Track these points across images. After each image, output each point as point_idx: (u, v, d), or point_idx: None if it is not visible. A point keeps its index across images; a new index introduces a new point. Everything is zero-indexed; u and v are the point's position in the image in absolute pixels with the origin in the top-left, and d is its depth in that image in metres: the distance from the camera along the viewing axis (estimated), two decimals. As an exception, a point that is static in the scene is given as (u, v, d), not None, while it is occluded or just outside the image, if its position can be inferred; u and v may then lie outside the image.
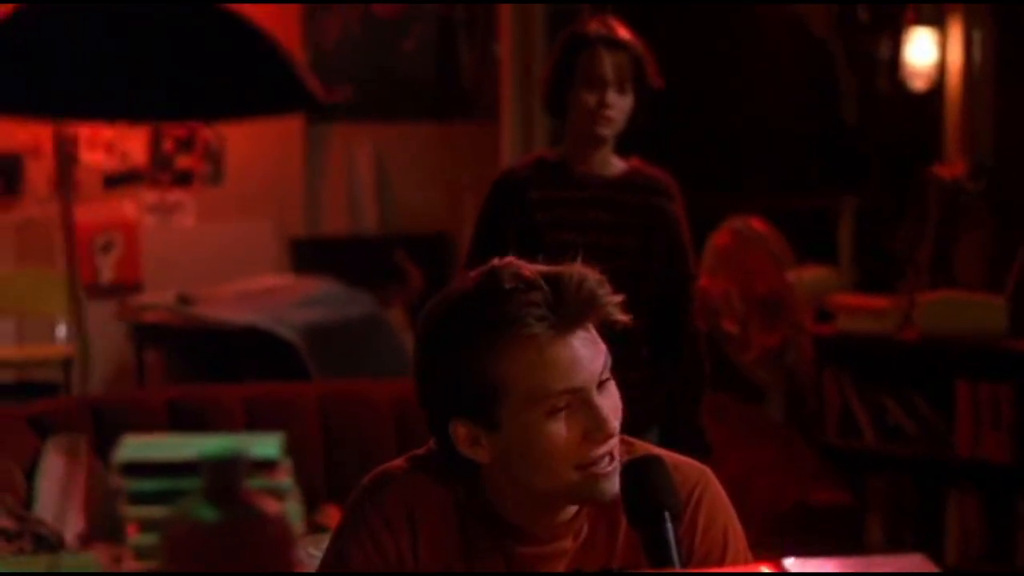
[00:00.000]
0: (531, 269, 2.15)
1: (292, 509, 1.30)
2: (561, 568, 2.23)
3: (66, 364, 8.45)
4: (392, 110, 9.50)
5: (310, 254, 9.19)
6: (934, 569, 1.50)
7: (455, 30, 9.56)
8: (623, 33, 4.13)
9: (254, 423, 5.63)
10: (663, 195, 4.21)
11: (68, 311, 8.03)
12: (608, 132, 4.13)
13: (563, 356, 2.11)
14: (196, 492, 1.19)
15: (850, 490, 5.31)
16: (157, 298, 8.35)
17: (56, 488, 4.84)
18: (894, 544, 5.90)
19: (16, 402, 6.90)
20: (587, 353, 2.13)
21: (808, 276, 6.17)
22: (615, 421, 2.17)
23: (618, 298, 2.19)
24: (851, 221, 7.65)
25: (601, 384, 2.16)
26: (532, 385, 2.11)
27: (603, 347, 2.17)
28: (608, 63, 4.07)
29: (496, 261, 2.19)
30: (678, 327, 4.25)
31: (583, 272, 2.15)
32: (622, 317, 2.20)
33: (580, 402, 2.13)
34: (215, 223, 9.14)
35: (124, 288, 8.89)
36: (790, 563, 1.48)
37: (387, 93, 9.51)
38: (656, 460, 2.18)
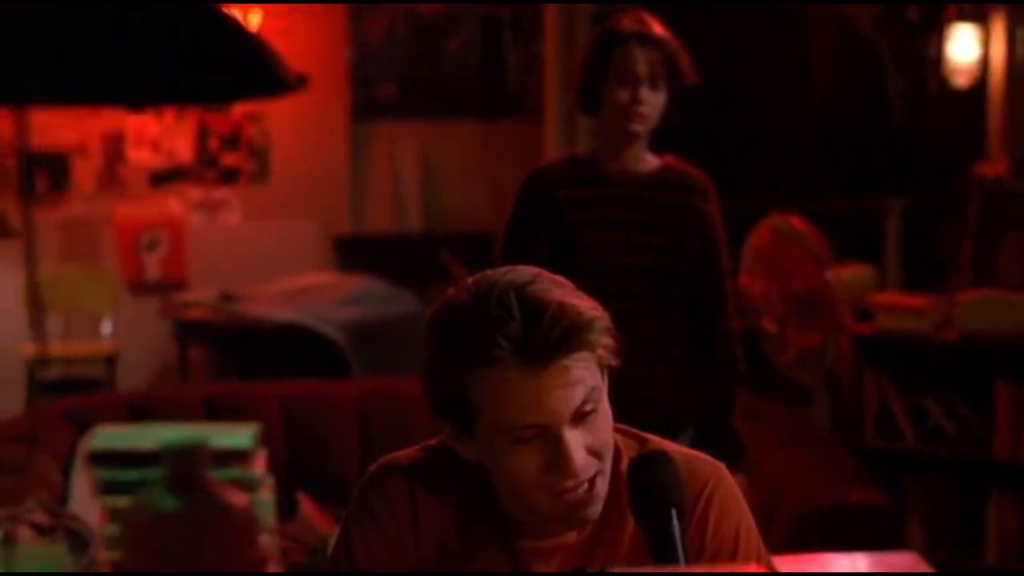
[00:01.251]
0: (520, 295, 2.07)
1: (263, 500, 1.28)
2: (563, 562, 2.21)
3: (110, 361, 8.50)
4: (437, 109, 9.51)
5: (355, 252, 9.20)
6: (926, 567, 1.47)
7: (500, 29, 9.56)
8: (657, 29, 4.07)
9: (290, 420, 5.64)
10: (697, 193, 4.15)
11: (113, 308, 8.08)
12: (641, 129, 4.07)
13: (528, 392, 2.05)
14: (158, 482, 1.18)
15: (889, 491, 5.26)
16: (200, 295, 8.38)
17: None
18: (934, 545, 5.84)
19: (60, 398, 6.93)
20: (558, 390, 2.06)
21: (849, 275, 6.12)
22: (593, 452, 2.11)
23: (607, 340, 2.11)
24: (897, 222, 7.60)
25: (582, 416, 2.10)
26: (497, 414, 2.08)
27: (587, 381, 2.08)
28: (641, 59, 4.01)
29: (499, 273, 2.15)
30: (711, 327, 4.20)
31: (567, 308, 2.07)
32: (612, 361, 2.13)
33: (546, 436, 2.08)
34: (260, 221, 9.17)
35: (169, 285, 8.94)
36: (781, 560, 1.45)
37: (432, 92, 9.52)
38: (664, 456, 2.15)
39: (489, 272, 2.15)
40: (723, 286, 4.20)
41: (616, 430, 2.27)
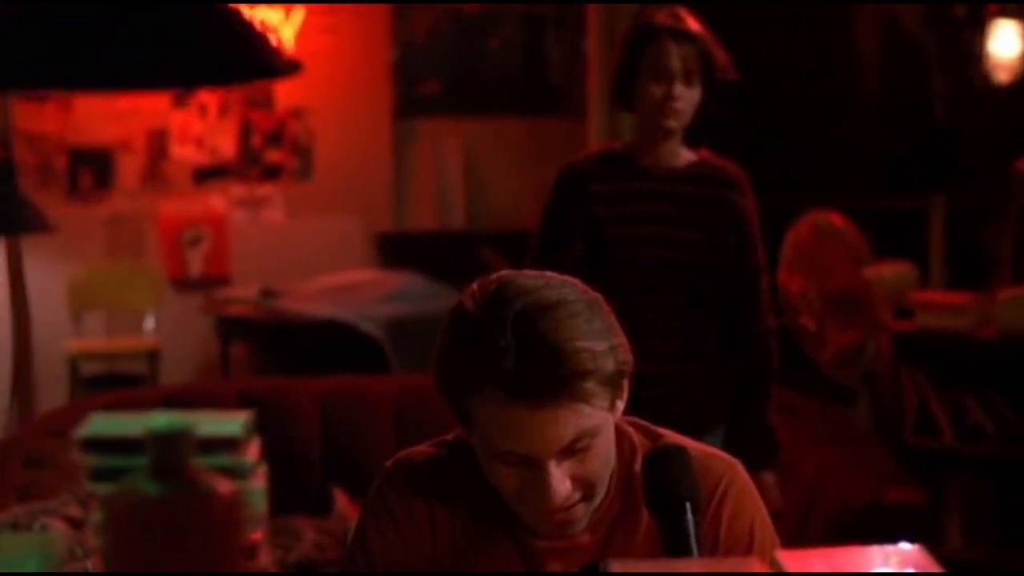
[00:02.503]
0: (520, 327, 2.00)
1: (255, 488, 1.29)
2: (577, 560, 2.20)
3: (152, 357, 8.54)
4: (480, 106, 9.52)
5: (397, 249, 9.21)
6: (932, 560, 1.46)
7: (543, 27, 9.56)
8: (692, 24, 4.05)
9: (326, 415, 5.65)
10: (732, 188, 4.13)
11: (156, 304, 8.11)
12: (675, 124, 4.05)
13: (515, 423, 2.02)
14: (141, 468, 1.18)
15: (928, 490, 5.22)
16: (242, 292, 8.41)
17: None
18: (972, 544, 5.80)
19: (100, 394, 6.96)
20: (546, 427, 2.02)
21: (889, 272, 6.08)
22: (581, 482, 2.09)
23: (600, 390, 2.04)
24: (941, 219, 7.55)
25: (572, 452, 2.06)
26: (484, 433, 2.07)
27: (580, 423, 2.03)
28: (675, 55, 3.99)
29: (506, 284, 2.08)
30: (745, 323, 4.17)
31: (569, 353, 1.99)
32: (600, 405, 2.06)
33: (530, 463, 2.07)
34: (303, 218, 9.19)
35: (212, 282, 8.97)
36: (783, 555, 1.44)
37: (475, 89, 9.52)
38: (678, 451, 2.13)
39: (514, 280, 2.08)
40: (758, 281, 4.17)
41: (630, 424, 2.26)
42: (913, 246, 7.28)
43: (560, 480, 2.07)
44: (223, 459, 1.39)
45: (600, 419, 2.07)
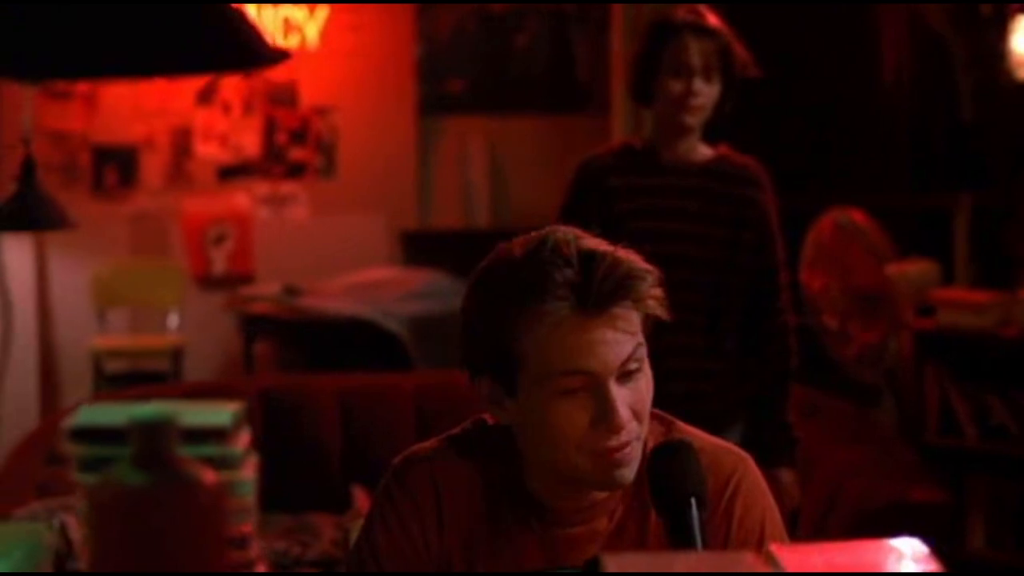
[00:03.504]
0: (578, 245, 2.10)
1: (243, 479, 1.28)
2: (590, 548, 2.19)
3: (176, 354, 8.54)
4: (505, 104, 9.50)
5: (421, 247, 9.20)
6: (931, 555, 1.44)
7: (568, 24, 9.54)
8: (712, 21, 4.05)
9: (347, 412, 5.66)
10: (751, 184, 4.11)
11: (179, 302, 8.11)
12: (694, 121, 4.04)
13: (578, 338, 2.06)
14: (126, 458, 1.17)
15: (950, 490, 5.20)
16: (266, 290, 8.42)
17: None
18: (995, 544, 5.77)
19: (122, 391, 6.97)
20: (608, 339, 2.07)
21: (912, 270, 6.05)
22: (635, 414, 2.11)
23: (658, 292, 2.13)
24: (967, 218, 7.51)
25: (626, 374, 2.10)
26: (544, 361, 2.08)
27: (635, 337, 2.10)
28: (695, 51, 3.99)
29: (552, 229, 2.15)
30: (764, 319, 4.16)
31: (622, 259, 2.10)
32: (661, 313, 2.14)
33: (593, 388, 2.08)
34: (327, 215, 9.19)
35: (236, 279, 8.98)
36: (778, 549, 1.42)
37: (500, 87, 9.51)
38: (685, 445, 2.13)
39: (536, 232, 2.16)
40: (777, 278, 4.15)
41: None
42: (938, 245, 7.24)
43: (622, 403, 2.09)
44: (211, 449, 1.38)
45: (643, 343, 2.12)
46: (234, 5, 1.74)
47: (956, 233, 7.41)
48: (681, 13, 4.06)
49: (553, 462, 2.14)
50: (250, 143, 9.08)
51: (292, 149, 9.15)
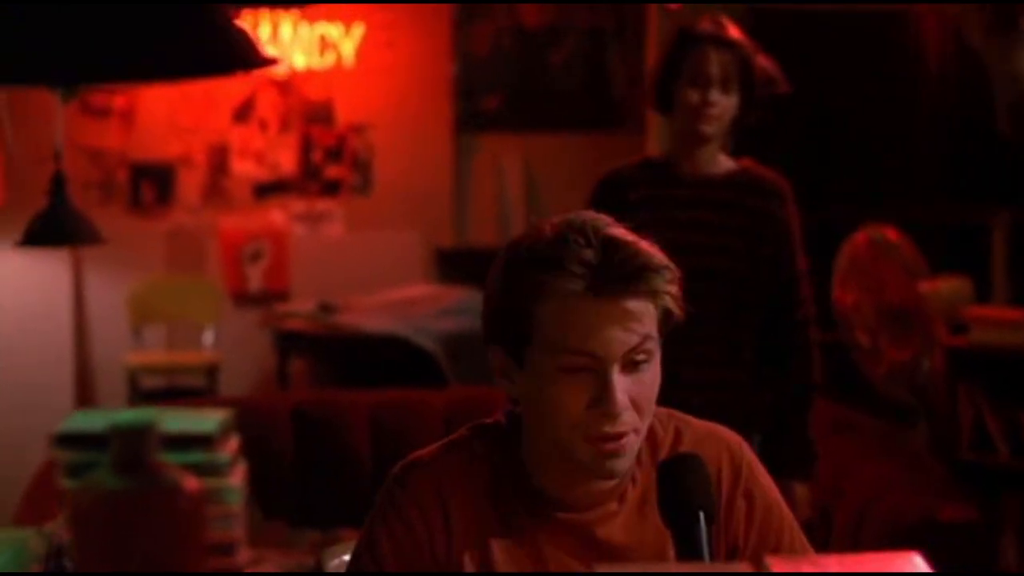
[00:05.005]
0: (604, 230, 2.15)
1: (230, 486, 1.27)
2: (609, 531, 2.20)
3: (211, 370, 8.57)
4: (541, 121, 9.50)
5: (457, 264, 9.20)
6: (927, 570, 1.42)
7: (605, 41, 9.53)
8: (733, 33, 4.08)
9: (377, 428, 5.66)
10: (772, 196, 4.12)
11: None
12: (710, 130, 4.07)
13: (588, 318, 2.09)
14: (107, 463, 1.17)
15: (982, 508, 5.15)
16: (299, 306, 8.44)
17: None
18: (1029, 565, 5.72)
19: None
20: (617, 326, 2.10)
21: (945, 287, 6.01)
22: (635, 404, 2.12)
23: (674, 289, 2.15)
24: (1005, 235, 7.46)
25: (632, 364, 2.11)
26: (553, 335, 2.10)
27: (645, 328, 2.12)
28: (714, 61, 4.03)
29: (585, 212, 2.20)
30: (784, 332, 4.15)
31: (642, 250, 2.14)
32: (676, 311, 2.15)
33: (595, 370, 2.10)
34: (363, 232, 9.20)
35: (272, 296, 9.00)
36: (771, 560, 1.41)
37: (537, 104, 9.51)
38: (694, 459, 2.12)
39: (568, 215, 2.19)
40: (798, 291, 4.15)
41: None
42: (976, 261, 7.20)
43: (621, 391, 2.10)
44: (197, 456, 1.38)
45: (655, 337, 2.14)
46: (233, 12, 1.74)
47: (994, 250, 7.37)
48: (704, 25, 4.10)
49: (553, 441, 2.16)
50: (286, 160, 9.11)
51: (328, 166, 9.17)
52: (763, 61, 4.28)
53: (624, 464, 2.15)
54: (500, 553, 2.19)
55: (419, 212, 9.25)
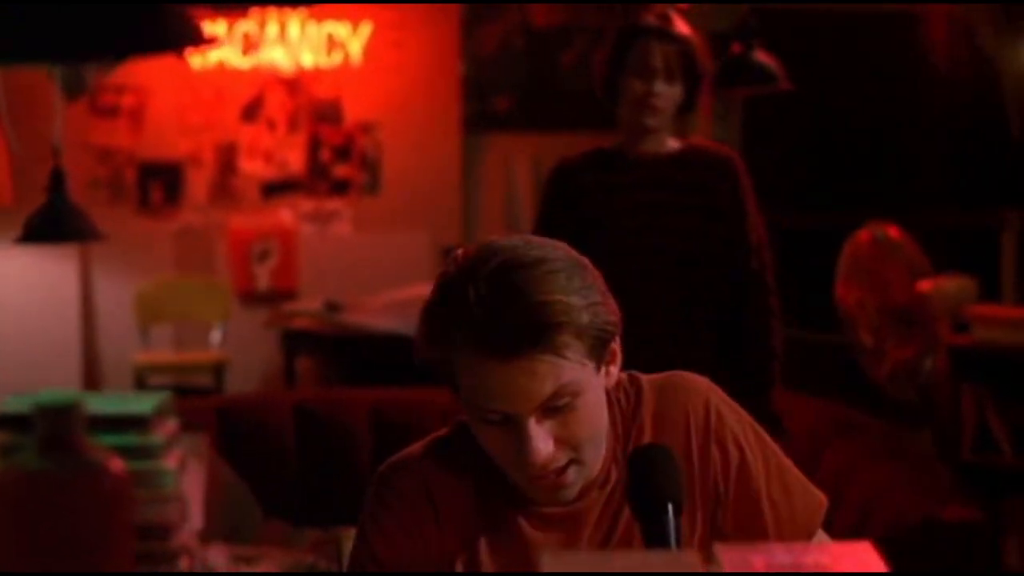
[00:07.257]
0: (499, 278, 1.99)
1: (163, 469, 1.25)
2: (597, 516, 2.18)
3: (219, 369, 8.57)
4: (550, 121, 9.48)
5: (465, 264, 9.18)
6: (878, 559, 1.41)
7: (614, 41, 9.51)
8: (678, 26, 4.15)
9: (379, 426, 5.65)
10: (722, 171, 4.16)
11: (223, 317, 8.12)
12: (654, 122, 4.14)
13: (489, 379, 2.01)
14: (32, 444, 1.16)
15: (985, 509, 5.12)
16: (307, 305, 8.44)
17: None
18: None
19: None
20: (520, 383, 2.00)
21: (949, 286, 5.99)
22: (567, 443, 2.07)
23: (586, 318, 2.03)
24: (1015, 235, 7.44)
25: (554, 410, 2.05)
26: (467, 388, 2.05)
27: (558, 377, 2.01)
28: (658, 53, 4.10)
29: (490, 246, 2.06)
30: (741, 308, 4.17)
31: (539, 304, 1.98)
32: (604, 334, 2.06)
33: (511, 423, 2.04)
34: (371, 232, 9.20)
35: (280, 295, 9.00)
36: (721, 550, 1.39)
37: (546, 104, 9.49)
38: (663, 451, 2.10)
39: (496, 241, 2.07)
40: (755, 264, 4.16)
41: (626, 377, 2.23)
42: (985, 262, 7.18)
43: (542, 439, 2.05)
44: (131, 438, 1.36)
45: (580, 377, 2.04)
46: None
47: (1004, 251, 7.34)
48: (650, 18, 4.17)
49: (505, 473, 2.13)
50: (295, 160, 9.11)
51: (336, 166, 9.17)
52: (763, 58, 4.32)
53: (572, 492, 2.12)
54: (487, 552, 2.18)
55: (427, 212, 9.25)
